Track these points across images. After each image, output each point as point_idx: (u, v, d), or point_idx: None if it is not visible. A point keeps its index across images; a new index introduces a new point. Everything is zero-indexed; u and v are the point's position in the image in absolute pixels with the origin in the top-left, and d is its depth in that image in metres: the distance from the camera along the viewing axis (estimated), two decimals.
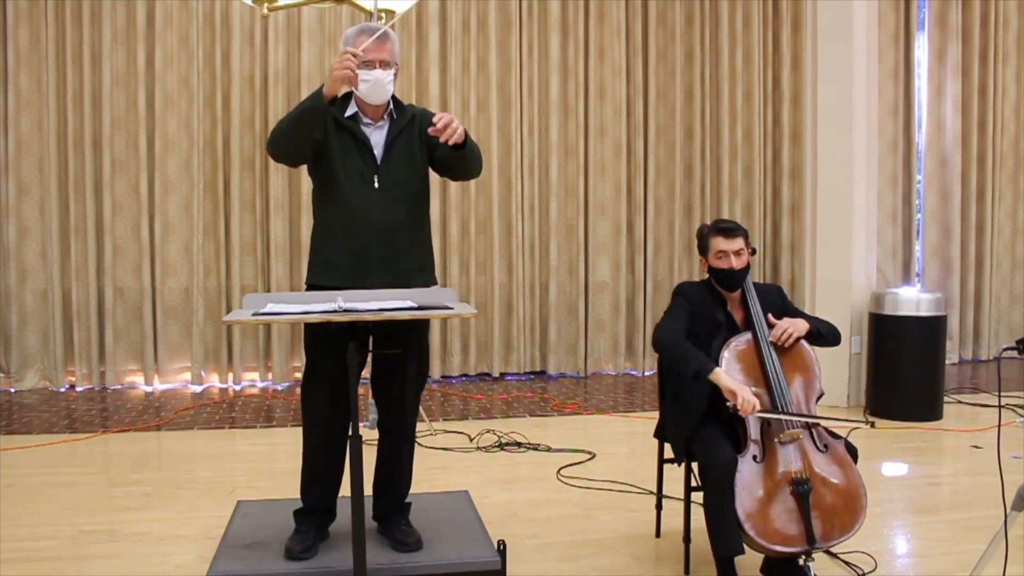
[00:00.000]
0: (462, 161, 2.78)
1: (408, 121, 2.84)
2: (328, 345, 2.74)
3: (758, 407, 2.61)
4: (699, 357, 2.71)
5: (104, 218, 6.02)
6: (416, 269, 2.87)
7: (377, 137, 2.82)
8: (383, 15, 5.04)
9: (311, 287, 2.83)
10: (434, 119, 2.64)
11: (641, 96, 6.69)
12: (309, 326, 2.85)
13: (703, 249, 2.90)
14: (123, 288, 6.12)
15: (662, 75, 6.76)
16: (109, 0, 5.96)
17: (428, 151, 2.88)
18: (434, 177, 6.97)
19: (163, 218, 6.11)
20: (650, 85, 6.74)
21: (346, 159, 2.78)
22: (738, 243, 2.82)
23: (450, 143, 2.65)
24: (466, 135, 2.69)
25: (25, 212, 6.00)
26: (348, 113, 2.82)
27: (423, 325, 2.95)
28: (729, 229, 2.84)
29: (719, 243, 2.83)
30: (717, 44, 6.79)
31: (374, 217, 2.76)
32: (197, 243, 6.09)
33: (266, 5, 4.95)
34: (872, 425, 2.75)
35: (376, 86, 2.73)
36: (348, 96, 2.85)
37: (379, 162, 2.79)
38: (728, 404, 2.63)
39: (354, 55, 2.60)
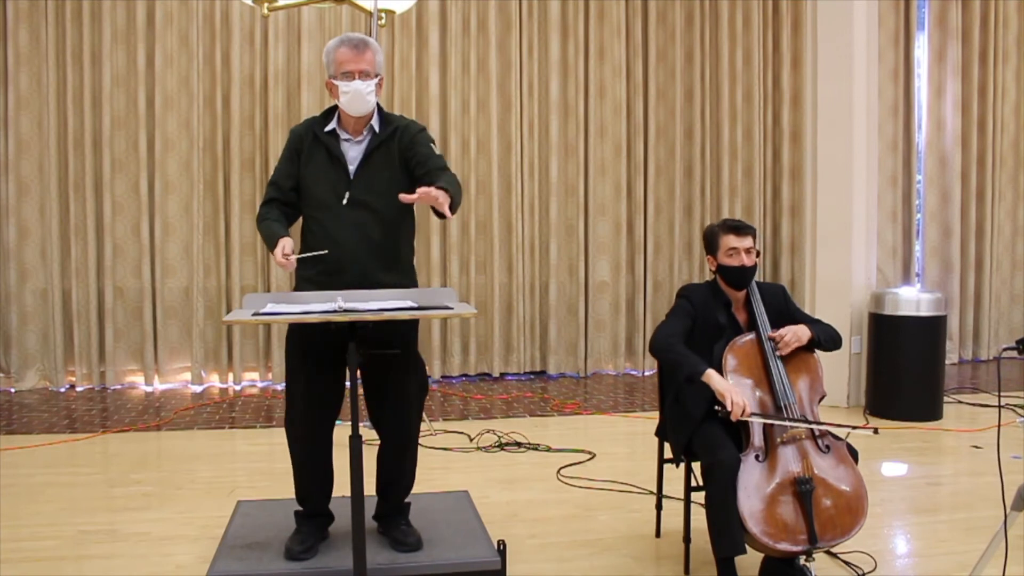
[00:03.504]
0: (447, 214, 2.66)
1: (389, 135, 2.78)
2: (309, 348, 2.74)
3: (749, 410, 2.60)
4: (691, 360, 2.70)
5: (104, 218, 6.02)
6: (391, 287, 2.75)
7: (354, 152, 2.77)
8: (383, 15, 5.04)
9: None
10: (419, 191, 2.43)
11: (641, 96, 6.69)
12: (290, 330, 2.83)
13: (712, 248, 2.89)
14: (123, 288, 6.12)
15: (662, 75, 6.76)
16: (109, 0, 5.96)
17: (410, 167, 2.78)
18: None
19: (163, 218, 6.11)
20: (650, 85, 6.74)
21: (320, 175, 2.76)
22: (748, 241, 2.84)
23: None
24: (449, 193, 2.52)
25: (25, 212, 6.00)
26: (328, 128, 2.78)
27: (412, 330, 2.89)
28: (740, 227, 2.85)
29: (731, 240, 2.83)
30: (717, 44, 6.79)
31: (344, 234, 2.71)
32: (197, 243, 6.09)
33: (266, 5, 4.95)
34: (876, 431, 2.73)
35: (355, 97, 2.70)
36: (332, 110, 2.82)
37: (352, 177, 2.74)
38: (717, 408, 2.63)
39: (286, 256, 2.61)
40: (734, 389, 2.62)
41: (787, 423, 2.65)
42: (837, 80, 5.46)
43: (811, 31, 5.68)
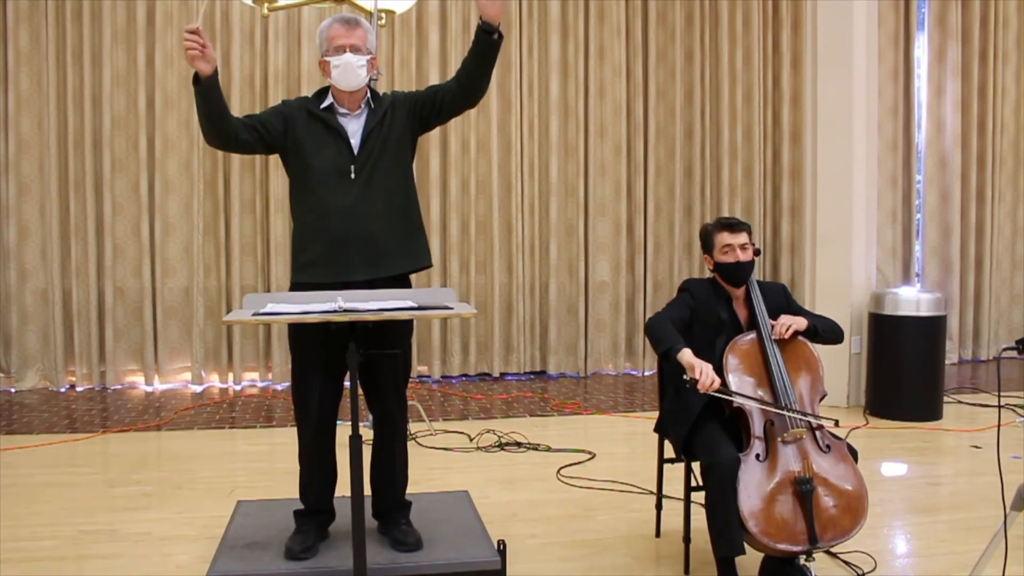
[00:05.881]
0: (487, 63, 2.71)
1: (387, 108, 2.82)
2: (315, 345, 2.75)
3: (717, 384, 2.60)
4: (672, 337, 2.72)
5: (104, 218, 6.02)
6: (398, 253, 2.82)
7: (354, 127, 2.79)
8: (383, 15, 5.04)
9: (296, 285, 2.81)
10: None
11: (641, 96, 6.69)
12: (294, 326, 2.84)
13: (708, 247, 2.91)
14: (123, 288, 6.12)
15: (662, 75, 6.77)
16: (109, 0, 5.96)
17: (419, 110, 2.83)
18: (434, 176, 6.95)
19: (163, 218, 6.11)
20: (650, 85, 6.74)
21: (321, 151, 2.77)
22: (743, 237, 2.84)
23: (491, 16, 2.61)
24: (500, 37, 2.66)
25: (25, 212, 6.01)
26: (324, 105, 2.81)
27: (408, 324, 2.93)
28: (734, 223, 2.87)
29: (724, 237, 2.85)
30: (717, 44, 6.80)
31: (353, 208, 2.72)
32: (197, 243, 6.09)
33: (266, 5, 4.95)
34: (836, 423, 2.72)
35: (346, 70, 2.72)
36: (326, 90, 2.85)
37: (356, 152, 2.77)
38: (686, 377, 2.63)
39: (191, 32, 2.51)
40: (705, 364, 2.62)
41: (750, 402, 2.66)
42: (837, 80, 5.46)
43: (811, 31, 5.68)
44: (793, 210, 6.87)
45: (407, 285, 2.89)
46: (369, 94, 2.84)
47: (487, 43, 2.67)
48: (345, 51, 2.72)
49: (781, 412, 2.67)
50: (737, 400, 2.66)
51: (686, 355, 2.66)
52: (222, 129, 2.71)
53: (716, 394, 2.62)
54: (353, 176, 2.75)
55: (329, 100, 2.81)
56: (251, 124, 2.77)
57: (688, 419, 2.81)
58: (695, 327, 2.87)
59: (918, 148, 7.15)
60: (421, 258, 2.90)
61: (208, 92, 2.62)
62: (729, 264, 2.84)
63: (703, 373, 2.58)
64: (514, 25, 6.47)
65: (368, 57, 2.76)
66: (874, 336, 5.33)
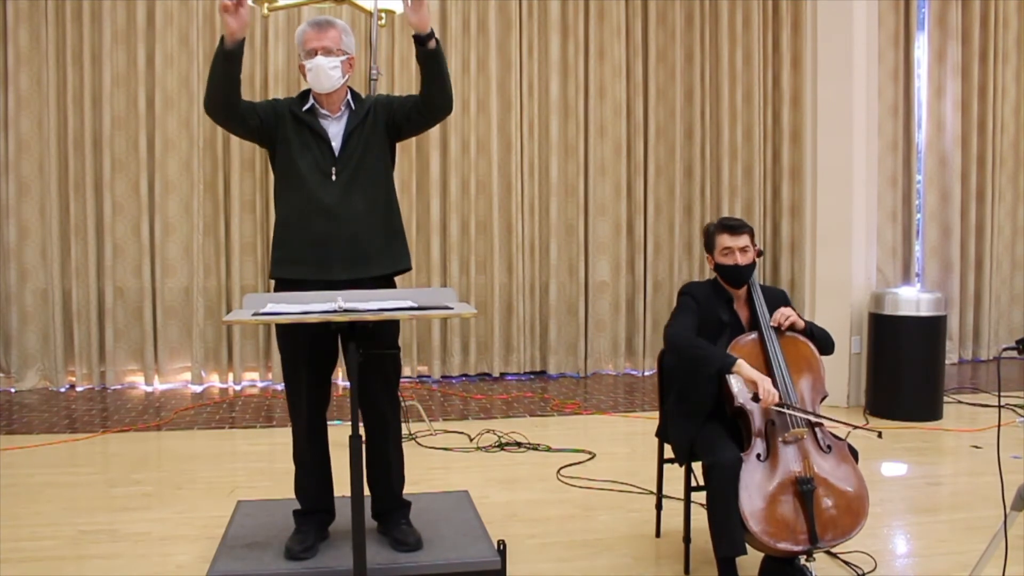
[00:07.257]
0: (435, 73, 2.70)
1: (367, 110, 2.84)
2: (302, 344, 2.76)
3: (777, 400, 2.61)
4: (718, 352, 2.72)
5: (104, 218, 6.02)
6: (380, 255, 2.83)
7: (335, 129, 2.82)
8: (383, 15, 5.04)
9: (277, 281, 2.83)
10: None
11: (641, 96, 6.69)
12: (282, 326, 2.84)
13: (709, 247, 2.91)
14: (123, 288, 6.12)
15: (662, 75, 6.76)
16: (109, 0, 5.96)
17: (392, 117, 2.84)
18: (434, 176, 6.94)
19: (163, 218, 6.11)
20: (650, 85, 6.74)
21: (304, 153, 2.79)
22: (743, 240, 2.84)
23: (416, 25, 2.60)
24: (437, 43, 2.67)
25: (25, 212, 6.00)
26: (305, 107, 2.83)
27: (395, 324, 2.93)
28: (734, 226, 2.87)
29: (725, 240, 2.85)
30: (717, 44, 6.79)
31: (334, 209, 2.74)
32: (197, 243, 6.09)
33: (266, 5, 4.95)
34: (880, 435, 2.73)
35: (318, 72, 2.74)
36: (306, 93, 2.87)
37: (337, 154, 2.79)
38: (749, 394, 2.62)
39: None
40: (765, 378, 2.63)
41: (807, 416, 2.67)
42: (837, 80, 5.46)
43: (811, 31, 5.68)
44: (793, 210, 6.86)
45: (391, 286, 2.89)
46: (350, 95, 2.85)
47: (423, 53, 2.67)
48: (316, 54, 2.74)
49: (859, 428, 2.68)
50: (800, 416, 2.66)
51: (745, 368, 2.66)
52: (230, 101, 2.73)
53: (777, 409, 2.62)
54: (334, 178, 2.77)
55: (310, 102, 2.83)
56: (254, 110, 2.81)
57: (696, 422, 2.80)
58: (699, 329, 2.87)
59: (918, 148, 7.15)
60: (401, 260, 2.92)
61: (231, 56, 2.63)
62: (728, 267, 2.85)
63: (767, 391, 2.59)
64: (514, 25, 6.47)
65: (342, 58, 2.78)
66: (874, 336, 5.33)
